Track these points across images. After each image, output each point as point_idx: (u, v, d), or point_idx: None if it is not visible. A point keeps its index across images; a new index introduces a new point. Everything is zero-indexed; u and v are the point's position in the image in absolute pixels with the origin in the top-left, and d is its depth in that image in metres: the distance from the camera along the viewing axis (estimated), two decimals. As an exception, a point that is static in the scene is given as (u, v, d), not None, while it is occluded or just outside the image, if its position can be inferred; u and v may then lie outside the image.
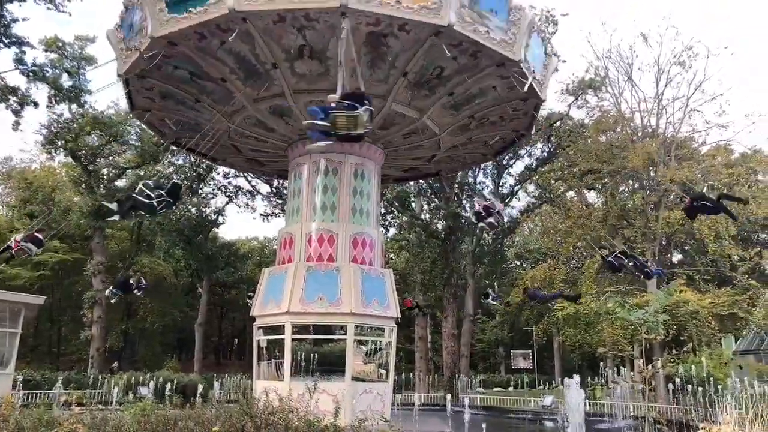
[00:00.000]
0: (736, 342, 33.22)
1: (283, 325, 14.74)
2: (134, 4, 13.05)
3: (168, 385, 20.54)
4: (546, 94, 15.05)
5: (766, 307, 27.74)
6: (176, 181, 13.44)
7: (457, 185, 34.80)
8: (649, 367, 23.68)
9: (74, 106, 31.32)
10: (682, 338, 26.66)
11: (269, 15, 11.55)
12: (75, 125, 31.97)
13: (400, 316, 16.10)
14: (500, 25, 12.40)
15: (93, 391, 23.54)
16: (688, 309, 24.86)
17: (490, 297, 25.35)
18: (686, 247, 36.18)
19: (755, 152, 33.19)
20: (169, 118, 16.50)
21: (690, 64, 29.16)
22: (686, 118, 30.07)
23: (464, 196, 35.71)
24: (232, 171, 37.51)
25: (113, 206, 13.73)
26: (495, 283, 48.10)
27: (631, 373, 24.00)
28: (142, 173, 36.14)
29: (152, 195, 12.58)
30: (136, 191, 12.81)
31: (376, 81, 13.61)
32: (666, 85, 29.81)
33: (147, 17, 12.45)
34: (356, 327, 14.96)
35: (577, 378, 13.88)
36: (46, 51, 28.83)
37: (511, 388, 39.32)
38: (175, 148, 30.34)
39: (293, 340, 14.91)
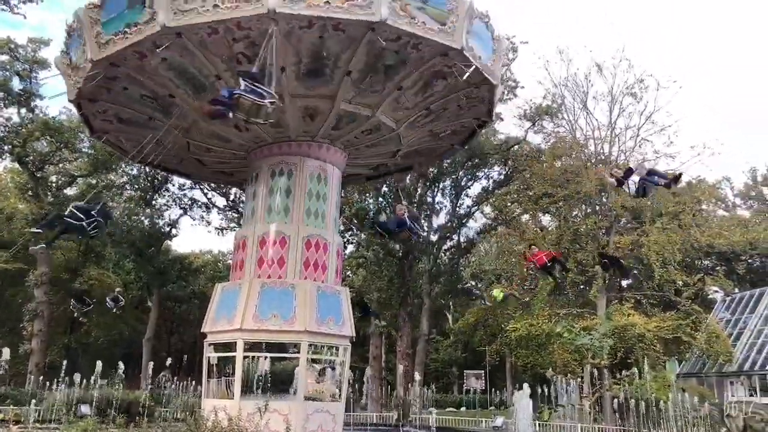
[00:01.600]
0: (679, 365, 34.28)
1: (235, 343, 14.43)
2: (74, 29, 13.04)
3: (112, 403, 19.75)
4: (498, 78, 14.92)
5: (708, 331, 28.81)
6: (107, 201, 13.32)
7: (414, 204, 35.03)
8: (593, 391, 24.22)
9: (24, 110, 30.34)
10: (629, 361, 27.33)
11: (201, 28, 11.52)
12: (24, 130, 30.87)
13: (354, 334, 15.99)
14: (437, 14, 12.29)
15: (31, 408, 22.41)
16: (635, 332, 25.56)
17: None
18: (634, 272, 37.31)
19: (700, 182, 34.66)
20: (128, 138, 16.21)
21: (641, 95, 30.39)
22: (637, 146, 31.21)
23: (422, 216, 35.95)
24: (188, 183, 36.90)
25: (39, 230, 13.60)
26: (450, 303, 48.57)
27: (581, 395, 24.46)
28: (93, 182, 35.10)
29: (82, 217, 12.32)
30: (66, 213, 12.48)
31: (321, 82, 13.53)
32: (619, 115, 30.96)
33: (86, 41, 12.43)
34: (310, 345, 14.77)
35: (527, 388, 14.04)
36: (-4, 52, 27.93)
37: (463, 409, 39.42)
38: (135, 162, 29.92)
39: (245, 357, 14.61)
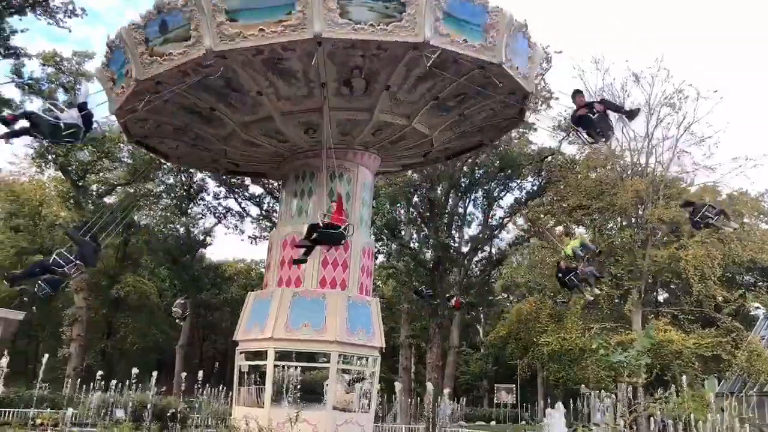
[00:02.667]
0: (719, 384, 33.18)
1: (266, 351, 14.56)
2: (117, 46, 13.29)
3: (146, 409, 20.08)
4: (533, 86, 14.91)
5: (749, 349, 27.85)
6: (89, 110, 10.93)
7: (446, 215, 34.91)
8: (630, 410, 23.57)
9: (68, 121, 31.27)
10: (665, 378, 26.60)
11: (247, 51, 11.76)
12: (67, 140, 31.89)
13: (384, 345, 15.96)
14: (478, 30, 12.32)
15: (68, 411, 22.95)
16: (672, 349, 24.87)
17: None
18: (672, 286, 36.36)
19: (741, 194, 33.68)
20: (165, 142, 16.63)
21: (680, 106, 29.76)
22: (675, 158, 30.54)
23: (453, 227, 35.82)
24: (222, 192, 37.57)
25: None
26: (481, 315, 48.11)
27: (616, 413, 23.84)
28: (132, 190, 36.00)
29: (59, 117, 9.49)
30: (42, 110, 9.88)
31: (360, 95, 13.69)
32: (656, 126, 30.36)
33: (130, 59, 12.70)
34: (340, 355, 14.80)
35: (560, 406, 13.72)
36: (43, 65, 28.92)
37: (493, 423, 38.89)
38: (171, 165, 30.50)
39: (275, 366, 14.72)
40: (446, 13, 11.78)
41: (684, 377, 22.93)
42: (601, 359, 25.36)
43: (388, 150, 16.81)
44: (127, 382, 21.31)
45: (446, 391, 27.74)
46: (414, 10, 11.32)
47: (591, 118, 11.22)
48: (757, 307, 37.45)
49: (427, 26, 11.49)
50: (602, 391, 23.23)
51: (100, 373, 22.61)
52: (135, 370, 21.33)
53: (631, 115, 12.73)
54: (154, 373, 21.16)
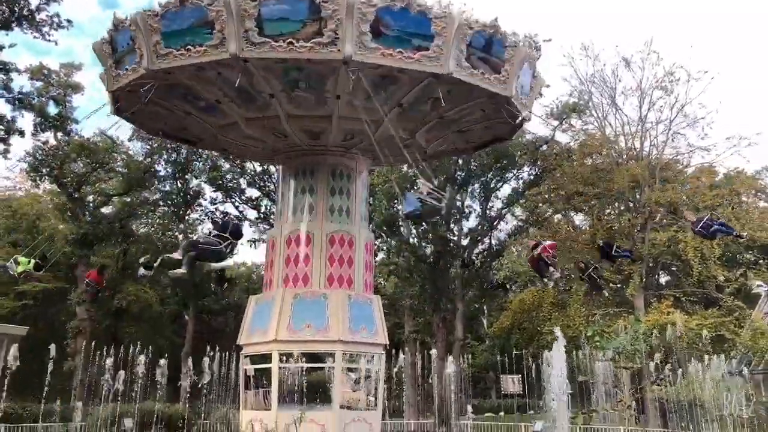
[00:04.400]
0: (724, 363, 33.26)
1: (271, 354, 14.56)
2: (125, 27, 12.93)
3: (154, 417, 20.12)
4: (529, 113, 15.42)
5: (752, 327, 27.92)
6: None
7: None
8: (629, 394, 23.65)
9: (60, 134, 31.27)
10: (669, 361, 26.67)
11: (271, 60, 11.79)
12: (60, 152, 31.83)
13: (388, 342, 15.98)
14: (495, 62, 12.80)
15: (78, 423, 22.98)
16: (675, 330, 24.92)
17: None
18: (673, 269, 36.41)
19: (738, 173, 33.71)
20: (156, 121, 16.33)
21: (671, 88, 29.73)
22: (669, 140, 30.56)
23: (452, 220, 35.80)
24: (219, 197, 37.51)
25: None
26: (484, 307, 48.13)
27: (617, 399, 23.94)
28: (128, 200, 35.94)
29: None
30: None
31: (370, 109, 13.73)
32: (649, 109, 30.35)
33: (141, 45, 12.42)
34: (344, 354, 14.81)
35: (564, 387, 13.86)
36: (31, 79, 28.86)
37: (501, 413, 38.98)
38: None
39: (281, 368, 14.72)
40: (470, 45, 12.28)
41: (690, 358, 22.98)
42: (598, 346, 25.51)
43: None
44: (133, 392, 21.31)
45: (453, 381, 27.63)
46: (441, 41, 11.76)
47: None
48: (759, 285, 37.53)
49: (452, 60, 11.95)
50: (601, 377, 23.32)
51: (107, 383, 22.58)
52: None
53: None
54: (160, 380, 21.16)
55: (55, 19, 25.41)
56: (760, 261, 38.23)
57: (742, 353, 28.38)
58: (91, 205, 35.63)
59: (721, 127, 48.52)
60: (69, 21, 25.80)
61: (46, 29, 25.34)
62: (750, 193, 35.60)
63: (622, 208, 31.69)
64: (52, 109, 30.72)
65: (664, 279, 38.90)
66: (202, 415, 24.01)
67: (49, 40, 25.61)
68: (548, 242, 17.91)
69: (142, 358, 20.12)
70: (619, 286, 31.93)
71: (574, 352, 27.77)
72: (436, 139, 16.44)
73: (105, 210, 36.15)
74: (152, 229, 40.45)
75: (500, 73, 12.87)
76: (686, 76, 29.07)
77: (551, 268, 17.05)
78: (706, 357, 21.69)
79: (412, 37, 11.69)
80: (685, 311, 27.79)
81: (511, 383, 44.81)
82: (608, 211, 32.46)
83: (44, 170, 32.10)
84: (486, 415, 36.53)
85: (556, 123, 32.86)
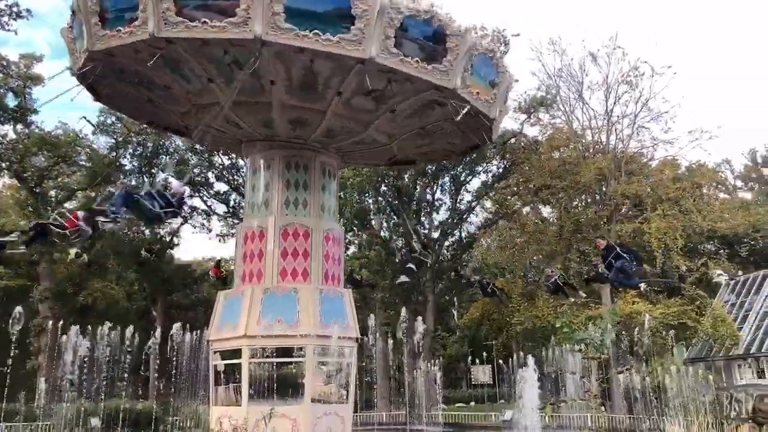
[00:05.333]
0: (686, 351, 34.28)
1: (241, 349, 14.43)
2: (75, 12, 12.80)
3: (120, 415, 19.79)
4: (497, 112, 14.87)
5: (713, 315, 28.79)
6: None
7: (414, 202, 35.02)
8: (595, 383, 24.22)
9: (20, 126, 30.37)
10: (635, 349, 27.36)
11: (192, 40, 11.43)
12: (20, 146, 30.89)
13: (360, 336, 15.98)
14: (434, 52, 12.17)
15: (42, 423, 22.49)
16: (640, 320, 25.55)
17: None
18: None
19: (700, 166, 34.61)
20: (128, 104, 15.99)
21: (636, 83, 30.34)
22: (634, 134, 31.22)
23: (422, 213, 35.97)
24: (187, 191, 36.86)
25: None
26: (455, 299, 48.57)
27: (583, 389, 24.53)
28: (93, 194, 35.10)
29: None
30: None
31: (313, 98, 13.48)
32: (615, 103, 30.93)
33: (84, 30, 12.23)
34: (316, 348, 14.75)
35: (531, 363, 14.13)
36: (-12, 70, 27.95)
37: (472, 403, 39.47)
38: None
39: (251, 363, 14.61)
40: (399, 31, 11.62)
41: (653, 347, 23.63)
42: (566, 337, 26.03)
43: (347, 151, 16.78)
44: (101, 389, 20.90)
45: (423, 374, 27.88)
46: (363, 25, 11.19)
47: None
48: (720, 275, 38.71)
49: (375, 44, 11.34)
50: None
51: (69, 377, 22.08)
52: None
53: None
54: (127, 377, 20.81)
55: (14, 9, 24.66)
56: (721, 251, 39.42)
57: (703, 340, 29.27)
58: (53, 199, 34.69)
59: (683, 121, 49.81)
60: (28, 10, 25.12)
61: (5, 19, 24.55)
62: (711, 186, 36.60)
63: (588, 200, 32.27)
64: (11, 101, 29.80)
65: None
66: (171, 411, 23.68)
67: (9, 30, 24.84)
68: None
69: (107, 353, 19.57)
70: (586, 276, 32.57)
71: (542, 348, 28.39)
72: (400, 136, 15.90)
73: (68, 205, 35.24)
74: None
75: (441, 63, 12.20)
76: (650, 71, 29.75)
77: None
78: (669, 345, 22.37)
79: (331, 20, 11.18)
80: (649, 301, 28.48)
81: (482, 373, 45.45)
82: (575, 203, 33.02)
83: (3, 164, 31.11)
84: (457, 405, 36.91)
85: (524, 117, 33.25)
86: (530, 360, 14.41)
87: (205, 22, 11.00)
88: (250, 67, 11.46)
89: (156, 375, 37.04)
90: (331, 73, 12.48)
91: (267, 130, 15.11)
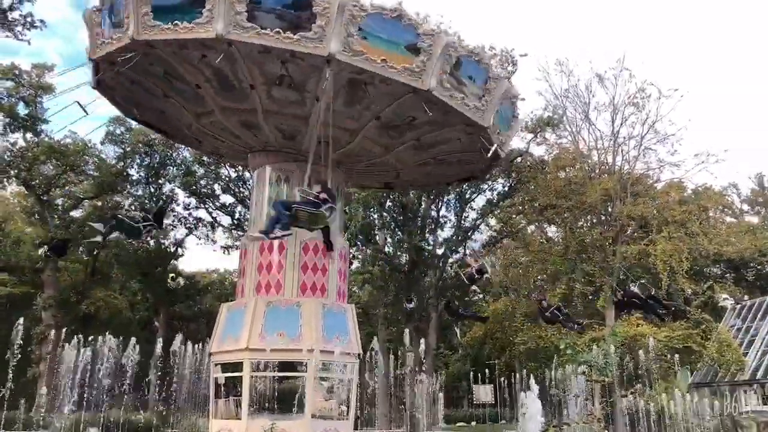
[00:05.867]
0: (691, 375, 33.92)
1: (242, 362, 14.37)
2: None
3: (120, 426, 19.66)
4: (506, 151, 15.62)
5: (719, 340, 28.53)
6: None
7: (419, 218, 35.01)
8: (599, 406, 23.97)
9: (29, 135, 30.65)
10: (639, 372, 27.09)
11: (255, 46, 11.59)
12: (30, 154, 31.14)
13: (361, 351, 15.91)
14: (476, 92, 12.95)
15: (40, 432, 22.34)
16: (645, 343, 25.33)
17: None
18: (642, 281, 36.99)
19: (706, 189, 34.50)
20: (132, 98, 15.75)
21: (643, 105, 30.35)
22: (641, 156, 31.16)
23: (427, 230, 35.94)
24: (193, 202, 37.11)
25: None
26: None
27: (586, 412, 24.25)
28: (99, 204, 35.31)
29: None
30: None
31: (349, 117, 13.71)
32: (621, 125, 30.92)
33: (130, 14, 12.04)
34: (317, 363, 14.67)
35: (533, 385, 14.00)
36: (1, 79, 28.26)
37: (474, 423, 39.05)
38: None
39: (252, 377, 14.54)
40: (454, 67, 12.38)
41: (657, 370, 23.38)
42: (569, 359, 25.79)
43: (354, 170, 17.00)
44: (102, 399, 20.81)
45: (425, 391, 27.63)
46: (324, 22, 11.40)
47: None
48: (726, 299, 38.43)
49: (434, 77, 12.09)
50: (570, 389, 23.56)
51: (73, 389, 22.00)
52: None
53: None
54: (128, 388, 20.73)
55: (29, 19, 24.99)
56: (727, 275, 39.16)
57: (708, 365, 28.99)
58: (60, 208, 34.89)
59: (690, 144, 49.81)
60: (42, 21, 25.39)
61: (18, 29, 24.87)
62: (717, 209, 36.47)
63: (594, 221, 32.18)
64: (22, 110, 30.12)
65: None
66: (171, 423, 23.57)
67: (22, 40, 25.14)
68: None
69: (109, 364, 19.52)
70: (590, 297, 32.39)
71: (545, 368, 28.16)
72: (411, 162, 16.37)
73: (75, 213, 35.44)
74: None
75: (480, 102, 12.90)
76: (657, 93, 29.77)
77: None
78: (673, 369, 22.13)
79: (291, 17, 11.32)
80: (653, 323, 28.24)
81: (484, 393, 44.97)
82: (580, 223, 32.95)
83: (12, 172, 31.36)
84: (458, 424, 36.54)
85: (530, 136, 33.31)
86: (533, 384, 14.29)
87: (278, 31, 11.25)
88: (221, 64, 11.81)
89: (156, 386, 36.86)
90: (378, 95, 12.83)
91: (289, 142, 15.26)
